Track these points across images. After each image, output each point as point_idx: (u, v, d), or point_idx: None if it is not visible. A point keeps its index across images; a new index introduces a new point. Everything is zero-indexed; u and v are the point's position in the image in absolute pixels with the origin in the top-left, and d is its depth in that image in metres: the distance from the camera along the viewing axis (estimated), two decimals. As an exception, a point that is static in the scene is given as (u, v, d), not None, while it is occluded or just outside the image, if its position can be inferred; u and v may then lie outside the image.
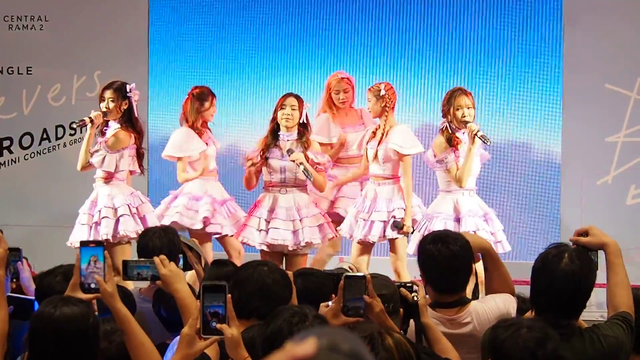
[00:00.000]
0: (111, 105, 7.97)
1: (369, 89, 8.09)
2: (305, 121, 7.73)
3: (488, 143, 7.54)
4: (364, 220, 7.94)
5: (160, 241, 5.64)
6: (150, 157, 9.89)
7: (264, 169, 7.78)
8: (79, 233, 7.97)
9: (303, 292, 4.40)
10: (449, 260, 4.43)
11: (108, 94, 7.98)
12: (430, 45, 9.52)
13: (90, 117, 7.91)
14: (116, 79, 8.11)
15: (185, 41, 9.97)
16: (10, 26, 10.06)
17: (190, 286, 4.28)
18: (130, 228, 7.90)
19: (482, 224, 7.62)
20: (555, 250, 4.10)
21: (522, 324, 3.64)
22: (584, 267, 4.04)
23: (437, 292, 4.51)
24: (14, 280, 5.00)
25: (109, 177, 8.05)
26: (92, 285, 3.83)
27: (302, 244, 7.64)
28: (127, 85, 8.02)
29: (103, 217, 7.93)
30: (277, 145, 7.72)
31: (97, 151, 8.01)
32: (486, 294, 4.74)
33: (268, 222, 7.69)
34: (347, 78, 8.56)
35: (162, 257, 4.09)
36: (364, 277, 4.06)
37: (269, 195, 7.78)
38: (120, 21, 9.94)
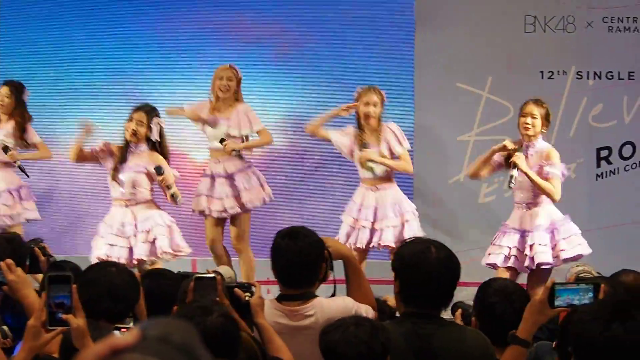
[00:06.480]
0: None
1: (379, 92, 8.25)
2: None
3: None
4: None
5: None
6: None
7: None
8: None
9: (152, 293, 4.40)
10: (294, 255, 4.49)
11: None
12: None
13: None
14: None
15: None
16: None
17: (36, 291, 4.19)
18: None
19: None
20: (419, 245, 4.08)
21: (348, 322, 3.73)
22: (451, 256, 4.02)
23: (282, 285, 4.58)
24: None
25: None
26: None
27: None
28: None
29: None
30: None
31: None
32: None
33: None
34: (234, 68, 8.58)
35: (9, 261, 3.99)
36: (214, 278, 4.11)
37: None
38: None
